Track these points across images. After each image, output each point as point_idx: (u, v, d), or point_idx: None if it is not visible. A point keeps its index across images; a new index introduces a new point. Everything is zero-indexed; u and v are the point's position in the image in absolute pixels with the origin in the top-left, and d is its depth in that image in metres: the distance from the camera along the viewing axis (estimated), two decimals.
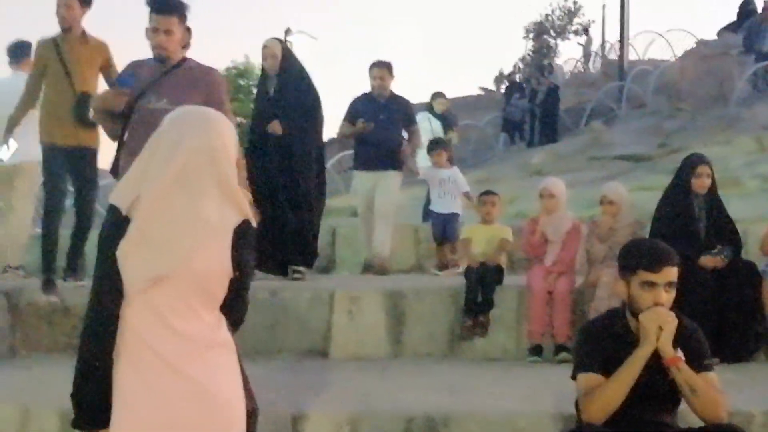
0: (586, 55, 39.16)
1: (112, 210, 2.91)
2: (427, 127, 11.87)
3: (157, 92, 5.46)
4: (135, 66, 5.77)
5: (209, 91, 5.46)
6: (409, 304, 7.07)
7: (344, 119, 9.41)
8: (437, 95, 12.99)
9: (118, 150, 5.66)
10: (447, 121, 12.69)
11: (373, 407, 5.27)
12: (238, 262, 2.93)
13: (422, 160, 10.66)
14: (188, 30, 5.67)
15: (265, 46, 8.25)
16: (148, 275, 2.84)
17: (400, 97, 9.41)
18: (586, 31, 44.29)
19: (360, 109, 9.26)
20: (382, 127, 9.07)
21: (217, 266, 2.89)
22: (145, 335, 2.87)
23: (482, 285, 7.03)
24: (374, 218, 9.07)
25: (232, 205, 2.93)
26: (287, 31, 26.90)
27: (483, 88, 42.32)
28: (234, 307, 3.02)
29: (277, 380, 5.84)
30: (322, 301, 7.09)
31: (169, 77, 5.53)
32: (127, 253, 2.84)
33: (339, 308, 7.04)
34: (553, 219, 7.15)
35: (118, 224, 2.87)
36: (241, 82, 33.75)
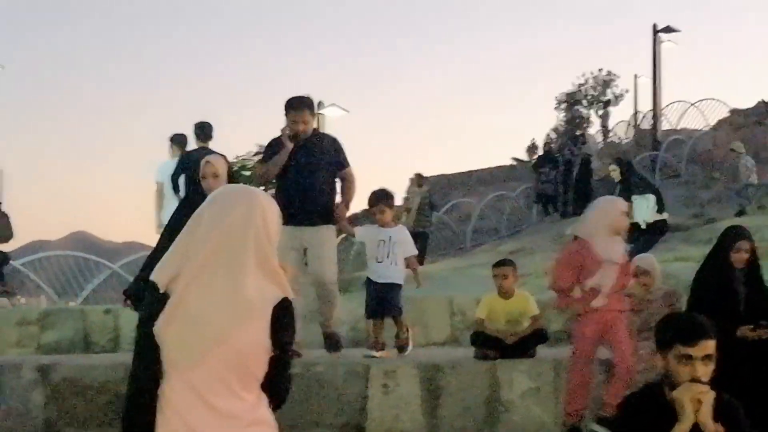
0: (604, 126, 39.53)
1: (152, 287, 2.92)
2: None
3: None
4: None
5: None
6: (445, 377, 7.04)
7: (261, 162, 8.18)
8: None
9: None
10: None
11: None
12: (277, 340, 2.90)
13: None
14: None
15: (207, 162, 6.52)
16: (188, 359, 2.83)
17: (326, 135, 7.87)
18: (606, 103, 44.54)
19: (277, 152, 7.68)
20: (305, 171, 7.53)
21: (256, 345, 2.87)
22: (185, 414, 2.85)
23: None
24: (310, 288, 7.63)
25: (272, 282, 2.92)
26: (319, 104, 27.13)
27: (516, 159, 42.50)
28: (275, 386, 2.97)
29: None
30: (357, 375, 7.07)
31: None
32: (165, 330, 2.83)
33: (374, 382, 7.02)
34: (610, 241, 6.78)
35: (156, 301, 2.87)
36: None
